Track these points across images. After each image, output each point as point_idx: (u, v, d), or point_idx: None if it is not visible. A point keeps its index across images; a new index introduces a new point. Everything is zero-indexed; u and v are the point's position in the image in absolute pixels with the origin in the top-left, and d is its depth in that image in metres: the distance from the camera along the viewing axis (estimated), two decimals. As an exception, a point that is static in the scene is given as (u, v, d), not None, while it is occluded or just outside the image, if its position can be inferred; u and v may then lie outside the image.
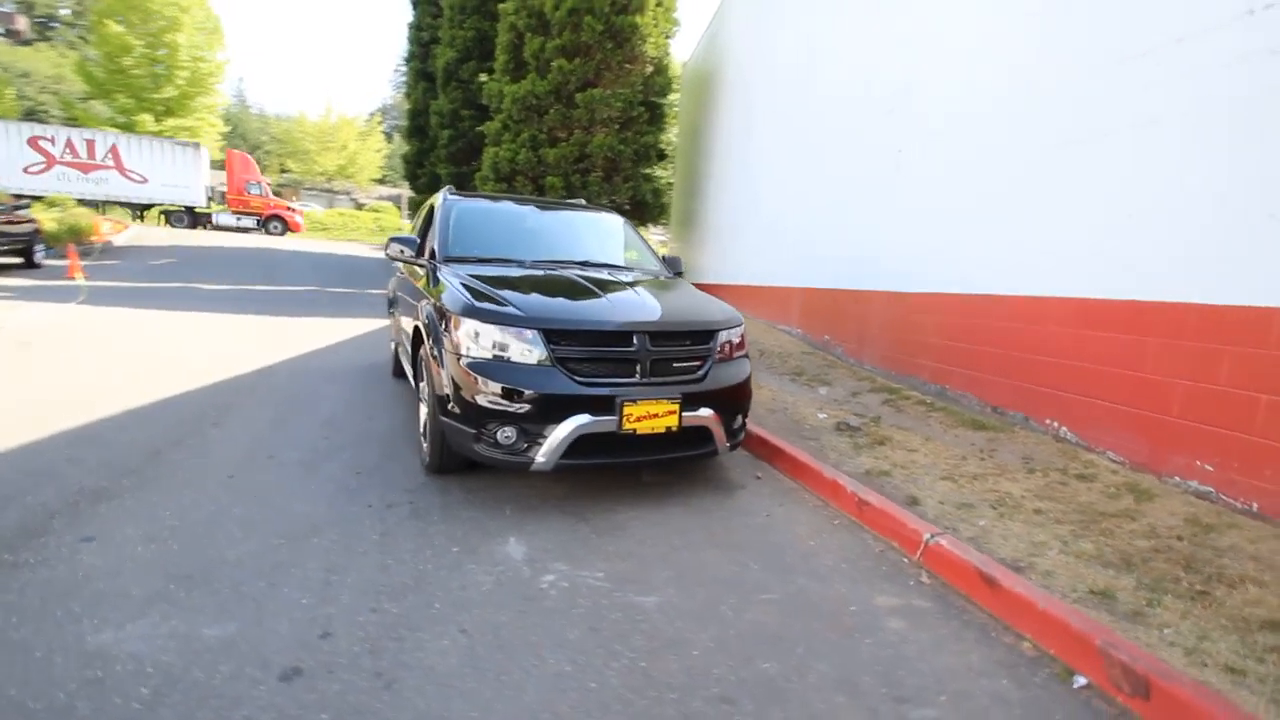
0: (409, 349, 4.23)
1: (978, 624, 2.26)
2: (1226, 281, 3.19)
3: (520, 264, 3.95)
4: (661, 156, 13.95)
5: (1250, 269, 3.09)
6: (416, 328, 3.69)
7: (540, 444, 2.89)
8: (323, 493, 3.19)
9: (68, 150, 22.17)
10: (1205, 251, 3.31)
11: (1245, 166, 3.15)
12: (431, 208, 4.83)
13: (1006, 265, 4.67)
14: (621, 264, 4.32)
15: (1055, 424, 4.20)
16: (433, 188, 18.89)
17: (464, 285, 3.38)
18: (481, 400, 2.93)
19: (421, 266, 4.11)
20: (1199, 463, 3.27)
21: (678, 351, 3.19)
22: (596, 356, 3.03)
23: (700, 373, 3.24)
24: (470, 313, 3.07)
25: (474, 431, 2.97)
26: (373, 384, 5.71)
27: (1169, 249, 3.50)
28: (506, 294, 3.22)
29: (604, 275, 3.86)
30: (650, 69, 13.34)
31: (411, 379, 4.15)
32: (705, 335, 3.31)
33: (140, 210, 24.37)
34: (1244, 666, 1.91)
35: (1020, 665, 2.04)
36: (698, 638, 2.10)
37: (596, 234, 4.74)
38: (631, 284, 3.72)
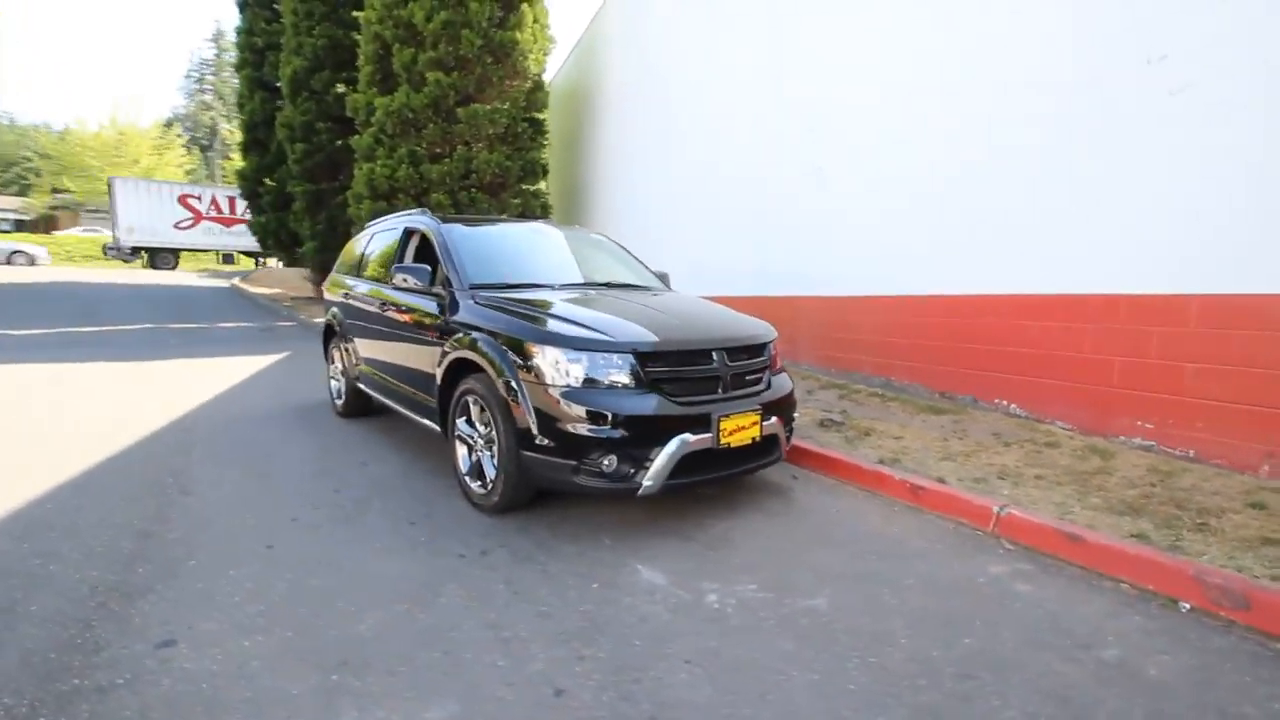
0: (420, 388, 3.93)
1: (1078, 576, 2.67)
2: (1150, 274, 3.99)
3: (550, 288, 3.86)
4: (545, 172, 13.90)
5: (1168, 263, 3.90)
6: (456, 361, 3.46)
7: (647, 467, 2.89)
8: (393, 548, 2.90)
9: None
10: (1129, 250, 4.11)
11: (1150, 181, 3.98)
12: (408, 236, 4.52)
13: (944, 269, 5.37)
14: (640, 283, 4.36)
15: (1004, 402, 4.93)
16: (280, 206, 17.11)
17: (528, 313, 3.27)
18: (582, 430, 2.86)
19: (430, 297, 3.84)
20: (1139, 422, 4.05)
21: (748, 365, 3.34)
22: (685, 376, 3.09)
23: (765, 383, 3.42)
24: (556, 340, 2.99)
25: (573, 463, 2.89)
26: (324, 427, 5.17)
27: (1099, 249, 4.29)
28: (580, 318, 3.18)
29: (641, 295, 3.90)
30: (530, 85, 13.26)
31: (431, 420, 3.85)
32: (762, 348, 3.49)
33: None
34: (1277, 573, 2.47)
35: (1135, 603, 2.45)
36: (890, 628, 2.27)
37: (600, 252, 4.73)
38: (674, 302, 3.81)
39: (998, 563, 2.80)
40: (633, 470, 2.89)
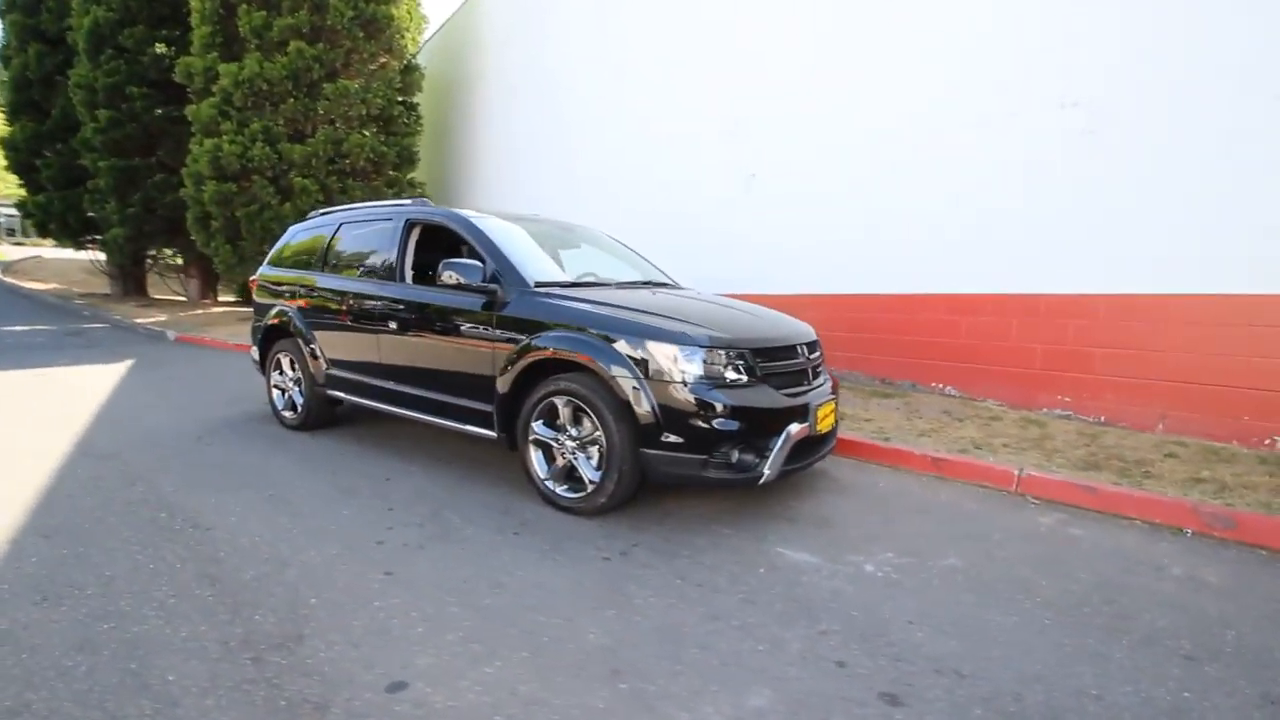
0: (461, 393, 3.71)
1: (1102, 519, 3.37)
2: (1065, 278, 4.99)
3: (608, 286, 3.86)
4: (415, 161, 13.04)
5: (1080, 269, 4.92)
6: (538, 362, 3.33)
7: (766, 457, 3.08)
8: (527, 559, 2.78)
9: None
10: (1049, 258, 5.10)
11: (1062, 202, 4.98)
12: (409, 228, 4.20)
13: (883, 272, 6.15)
14: (673, 282, 4.46)
15: (941, 386, 5.81)
16: (72, 181, 14.03)
17: (626, 310, 3.29)
18: (716, 424, 2.97)
19: (477, 294, 3.63)
20: (1060, 396, 5.06)
21: (816, 358, 3.66)
22: (783, 370, 3.32)
23: (825, 374, 3.76)
24: (676, 338, 3.05)
25: (703, 458, 2.99)
26: (289, 442, 4.62)
27: (1021, 257, 5.25)
28: (683, 315, 3.28)
29: (691, 294, 4.04)
30: (404, 65, 12.40)
31: (478, 425, 3.65)
32: (817, 343, 3.83)
33: None
34: (1232, 500, 3.35)
35: (1154, 533, 3.18)
36: (1023, 574, 2.72)
37: (620, 249, 4.74)
38: (729, 302, 4.00)
39: (1041, 514, 3.43)
40: (755, 460, 3.06)
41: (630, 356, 3.08)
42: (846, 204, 6.35)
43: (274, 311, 5.04)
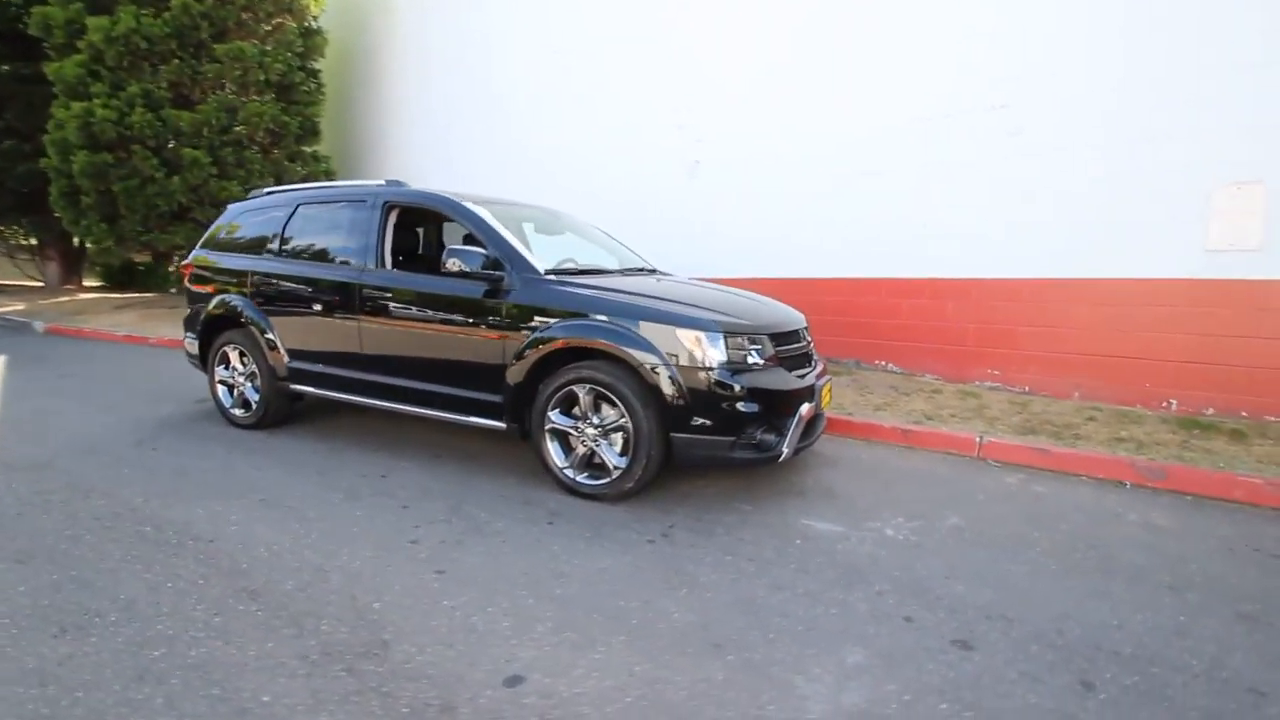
0: (464, 383, 3.62)
1: (1054, 477, 3.85)
2: (995, 264, 5.56)
3: (610, 273, 3.87)
4: (318, 132, 12.12)
5: (1008, 257, 5.50)
6: (556, 351, 3.32)
7: (784, 436, 3.26)
8: (576, 547, 2.81)
9: None
10: (981, 246, 5.65)
11: (994, 196, 5.53)
12: (388, 211, 4.00)
13: (828, 258, 6.54)
14: (658, 269, 4.51)
15: (884, 363, 6.30)
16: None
17: (647, 297, 3.35)
18: (741, 407, 3.12)
19: (479, 282, 3.54)
20: (990, 370, 5.66)
21: (812, 342, 3.89)
22: (793, 353, 3.52)
23: (816, 357, 4.01)
24: (703, 324, 3.16)
25: (731, 439, 3.13)
26: (251, 443, 4.31)
27: (956, 245, 5.77)
28: (701, 301, 3.40)
29: (685, 280, 4.12)
30: (303, 27, 11.48)
31: (484, 417, 3.58)
32: (809, 327, 4.06)
33: None
34: (1153, 455, 3.94)
35: (1100, 487, 3.69)
36: (1018, 530, 3.09)
37: (601, 235, 4.71)
38: (721, 288, 4.13)
39: (1005, 475, 3.87)
40: (776, 440, 3.24)
41: (657, 343, 3.14)
42: (793, 194, 6.66)
43: (217, 301, 4.61)
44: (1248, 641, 2.20)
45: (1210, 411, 4.64)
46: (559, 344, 3.31)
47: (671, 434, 3.15)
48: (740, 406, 3.11)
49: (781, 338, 3.46)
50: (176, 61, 10.01)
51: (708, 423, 3.11)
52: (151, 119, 9.71)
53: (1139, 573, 2.68)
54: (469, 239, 3.76)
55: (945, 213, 5.80)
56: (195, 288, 4.84)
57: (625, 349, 3.15)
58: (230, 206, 4.95)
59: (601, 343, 3.20)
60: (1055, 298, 5.29)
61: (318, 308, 4.15)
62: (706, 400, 3.10)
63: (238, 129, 10.23)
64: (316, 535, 2.89)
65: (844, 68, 6.27)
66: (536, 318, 3.41)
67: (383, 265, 3.99)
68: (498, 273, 3.52)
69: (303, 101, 11.39)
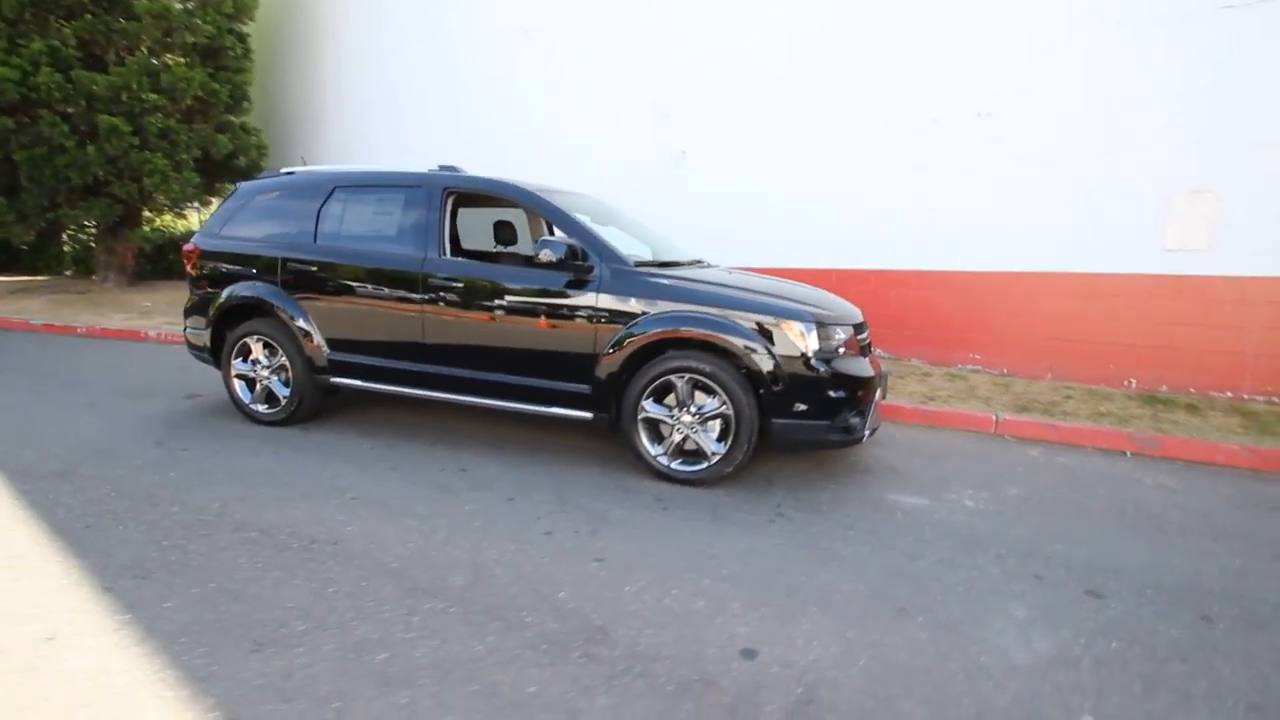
0: (549, 374, 3.62)
1: (1066, 449, 4.37)
2: (976, 258, 6.12)
3: (679, 265, 3.97)
4: (248, 101, 11.20)
5: (989, 252, 6.06)
6: (654, 342, 3.39)
7: (865, 419, 3.53)
8: (702, 529, 2.94)
9: None
10: (966, 241, 6.18)
11: (977, 196, 6.08)
12: (446, 197, 3.90)
13: (816, 249, 6.90)
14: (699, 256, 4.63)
15: (875, 349, 6.75)
16: None
17: (741, 289, 3.51)
18: (842, 393, 3.35)
19: (565, 271, 3.54)
20: (972, 354, 6.24)
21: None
22: (863, 343, 3.78)
23: (866, 345, 4.30)
24: (807, 317, 3.35)
25: (827, 423, 3.35)
26: (293, 440, 4.09)
27: (941, 240, 6.28)
28: (791, 294, 3.58)
29: (743, 271, 4.29)
30: (232, -13, 10.52)
31: (569, 407, 3.60)
32: (857, 317, 4.34)
33: None
34: (1136, 427, 4.56)
35: (1109, 457, 4.23)
36: (1065, 494, 3.51)
37: (640, 224, 4.74)
38: (793, 282, 4.34)
39: (1027, 449, 4.35)
40: (860, 423, 3.49)
41: (759, 333, 3.30)
42: (783, 187, 6.97)
43: (237, 288, 4.28)
44: (1294, 577, 2.70)
45: (1164, 389, 5.39)
46: (667, 334, 3.38)
47: (773, 420, 3.32)
48: (833, 393, 3.34)
49: (856, 328, 3.71)
50: (88, 17, 8.92)
51: (807, 408, 3.31)
52: (60, 80, 8.61)
53: (1182, 527, 3.15)
54: (546, 228, 3.72)
55: (932, 210, 6.29)
56: (202, 274, 4.46)
57: (733, 339, 3.28)
58: (241, 186, 4.57)
59: (714, 334, 3.31)
60: (1032, 289, 5.91)
61: (369, 297, 3.97)
62: (805, 387, 3.30)
63: (151, 96, 9.20)
64: (444, 532, 2.84)
65: (835, 65, 6.60)
66: (631, 309, 3.46)
67: (442, 253, 3.87)
68: (587, 263, 3.53)
69: (231, 68, 10.47)
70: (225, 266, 4.38)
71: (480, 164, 8.72)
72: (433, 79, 9.80)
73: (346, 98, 11.18)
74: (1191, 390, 5.31)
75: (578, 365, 3.57)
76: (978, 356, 6.21)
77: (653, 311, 3.42)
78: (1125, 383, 5.57)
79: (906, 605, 2.36)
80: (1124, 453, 4.30)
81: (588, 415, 3.62)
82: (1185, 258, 5.25)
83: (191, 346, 4.61)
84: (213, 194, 10.99)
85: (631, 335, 3.43)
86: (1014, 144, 5.86)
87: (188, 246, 4.53)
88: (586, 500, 3.24)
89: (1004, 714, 1.83)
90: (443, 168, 4.09)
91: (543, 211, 3.75)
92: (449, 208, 3.93)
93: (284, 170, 4.54)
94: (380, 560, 2.58)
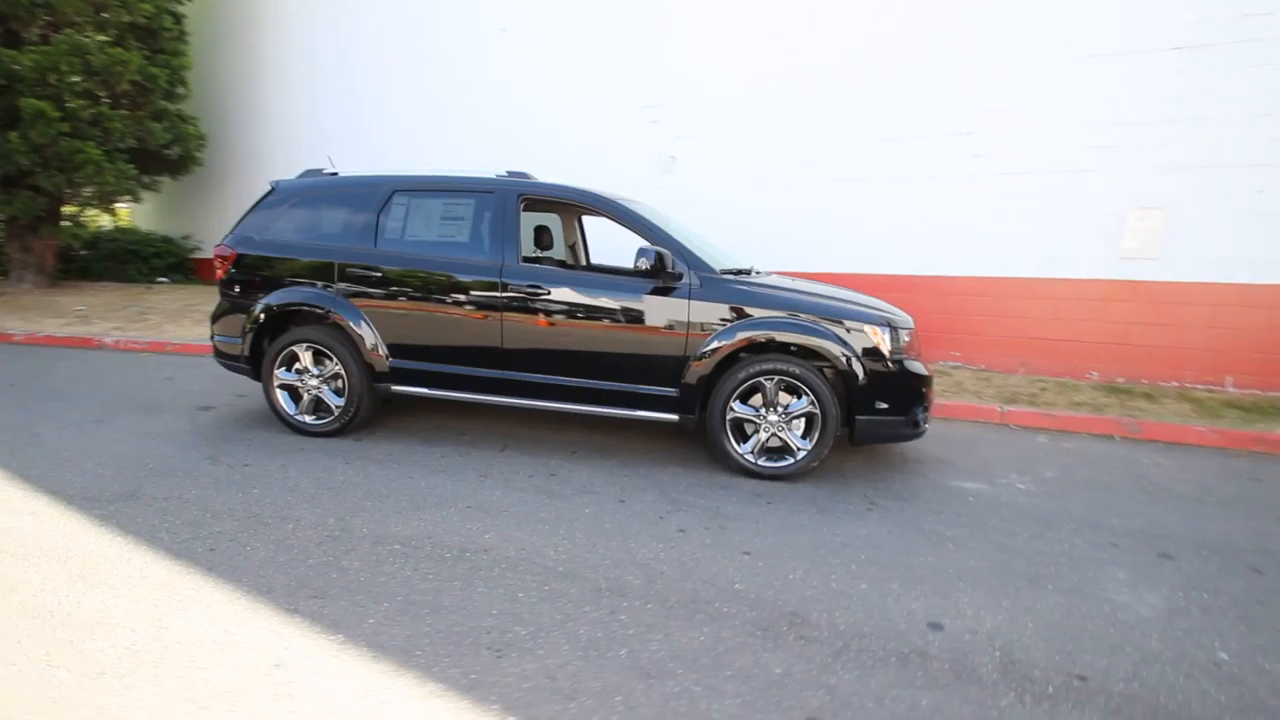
0: (638, 378, 3.74)
1: (1065, 436, 4.94)
2: (956, 263, 6.72)
3: (747, 273, 4.17)
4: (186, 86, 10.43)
5: (968, 258, 6.68)
6: (742, 346, 3.59)
7: (927, 413, 3.89)
8: (808, 523, 3.18)
9: None
10: (946, 250, 6.77)
11: (957, 207, 6.68)
12: (517, 203, 3.93)
13: (812, 253, 7.33)
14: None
15: (860, 347, 7.25)
16: None
17: (819, 296, 3.77)
18: (914, 390, 3.69)
19: (659, 277, 3.68)
20: (953, 352, 6.84)
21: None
22: (916, 345, 4.15)
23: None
24: (882, 321, 3.66)
25: (903, 418, 3.68)
26: (328, 445, 4.00)
27: (922, 247, 6.85)
28: (859, 300, 3.88)
29: (795, 278, 4.55)
30: (168, -35, 9.79)
31: (656, 410, 3.74)
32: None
33: None
34: (1130, 413, 5.22)
35: (1102, 441, 4.83)
36: (1095, 475, 4.01)
37: (691, 232, 4.89)
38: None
39: (1034, 437, 4.88)
40: (924, 417, 3.85)
41: (846, 337, 3.58)
42: (773, 195, 7.34)
43: (285, 294, 4.11)
44: (1298, 534, 3.28)
45: (1121, 380, 6.17)
46: (754, 338, 3.58)
47: (857, 416, 3.61)
48: (907, 390, 3.67)
49: (912, 331, 4.06)
50: (9, -12, 8.02)
51: (887, 405, 3.62)
52: (-25, 58, 7.71)
53: (1195, 498, 3.71)
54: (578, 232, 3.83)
55: (916, 220, 6.84)
56: (239, 279, 4.22)
57: (829, 345, 3.54)
58: (277, 186, 4.35)
59: (811, 339, 3.54)
60: (1006, 293, 6.57)
61: (439, 303, 3.93)
62: (885, 386, 3.61)
63: (75, 79, 8.38)
64: (583, 535, 2.93)
65: (824, 84, 7.03)
66: (721, 315, 3.64)
67: (517, 260, 3.90)
68: (675, 271, 3.68)
69: (168, 50, 9.70)
70: (267, 271, 4.18)
71: (448, 163, 8.62)
72: (398, 70, 9.51)
73: (295, 85, 10.61)
74: (1144, 381, 6.11)
75: (666, 369, 3.71)
76: (958, 354, 6.82)
77: (746, 317, 3.62)
78: (1088, 375, 6.32)
79: (1032, 576, 2.70)
80: (1113, 436, 4.92)
81: (673, 417, 3.77)
82: (1139, 265, 6.03)
83: (223, 356, 4.36)
84: (147, 187, 10.12)
85: (724, 341, 3.62)
86: (992, 161, 6.48)
87: (220, 250, 4.27)
88: (693, 498, 3.40)
89: (1161, 656, 2.18)
90: (511, 174, 4.09)
91: (625, 220, 3.86)
92: (521, 214, 3.95)
93: (327, 171, 4.37)
94: (543, 564, 2.64)
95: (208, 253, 11.96)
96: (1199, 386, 5.92)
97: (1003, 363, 6.64)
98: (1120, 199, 6.04)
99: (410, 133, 9.55)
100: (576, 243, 5.28)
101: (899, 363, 3.67)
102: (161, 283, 11.28)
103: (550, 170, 8.08)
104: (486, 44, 8.94)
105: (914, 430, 3.75)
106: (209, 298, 9.63)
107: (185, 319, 8.15)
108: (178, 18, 9.85)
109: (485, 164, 8.45)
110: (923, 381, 3.78)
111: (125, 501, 3.11)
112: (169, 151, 10.17)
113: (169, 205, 11.88)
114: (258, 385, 5.01)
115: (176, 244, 11.79)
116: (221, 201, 11.70)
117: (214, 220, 11.74)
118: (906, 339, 3.82)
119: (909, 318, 4.10)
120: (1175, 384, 5.99)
